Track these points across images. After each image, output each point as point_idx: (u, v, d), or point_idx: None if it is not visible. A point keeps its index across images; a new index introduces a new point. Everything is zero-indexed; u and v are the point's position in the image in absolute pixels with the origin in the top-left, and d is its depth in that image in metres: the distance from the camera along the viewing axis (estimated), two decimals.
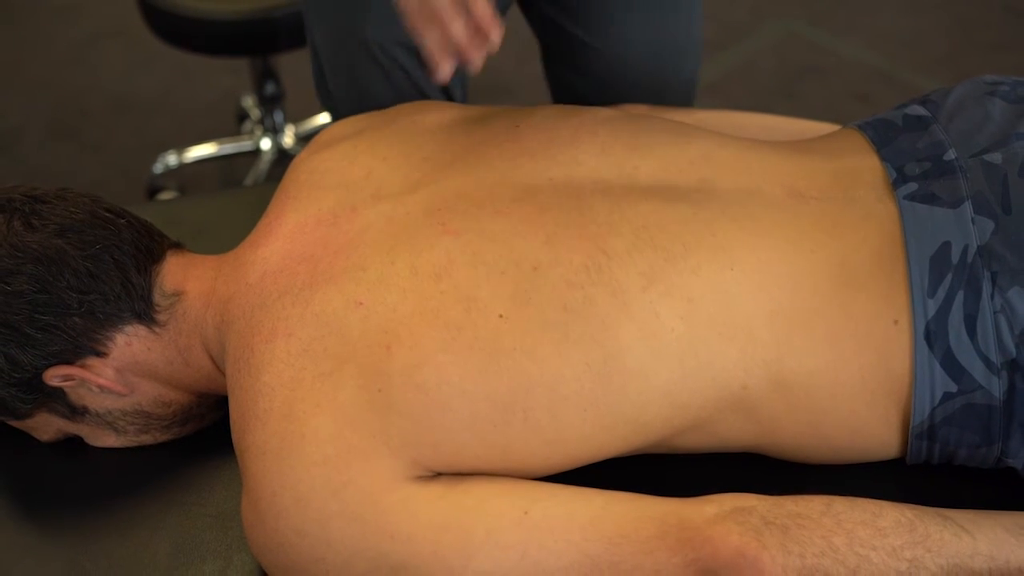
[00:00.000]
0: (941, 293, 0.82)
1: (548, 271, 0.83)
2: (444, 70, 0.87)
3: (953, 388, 0.82)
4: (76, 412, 0.95)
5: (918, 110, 0.94)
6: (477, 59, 0.87)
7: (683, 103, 1.29)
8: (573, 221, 0.85)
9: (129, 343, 0.93)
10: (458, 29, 0.85)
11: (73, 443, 1.00)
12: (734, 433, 0.87)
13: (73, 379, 0.92)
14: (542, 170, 0.91)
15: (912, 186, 0.87)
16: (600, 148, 0.92)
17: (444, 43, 0.87)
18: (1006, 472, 0.89)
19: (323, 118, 2.38)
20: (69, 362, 0.92)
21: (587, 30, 1.23)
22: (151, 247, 0.95)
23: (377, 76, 1.17)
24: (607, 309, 0.82)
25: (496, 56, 1.02)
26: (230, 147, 2.41)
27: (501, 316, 0.81)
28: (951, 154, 0.88)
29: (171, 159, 2.36)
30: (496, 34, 0.86)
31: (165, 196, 2.33)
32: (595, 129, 0.94)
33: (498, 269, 0.83)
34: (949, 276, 0.82)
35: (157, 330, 0.94)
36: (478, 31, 0.86)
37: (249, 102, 2.49)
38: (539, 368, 0.81)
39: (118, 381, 0.93)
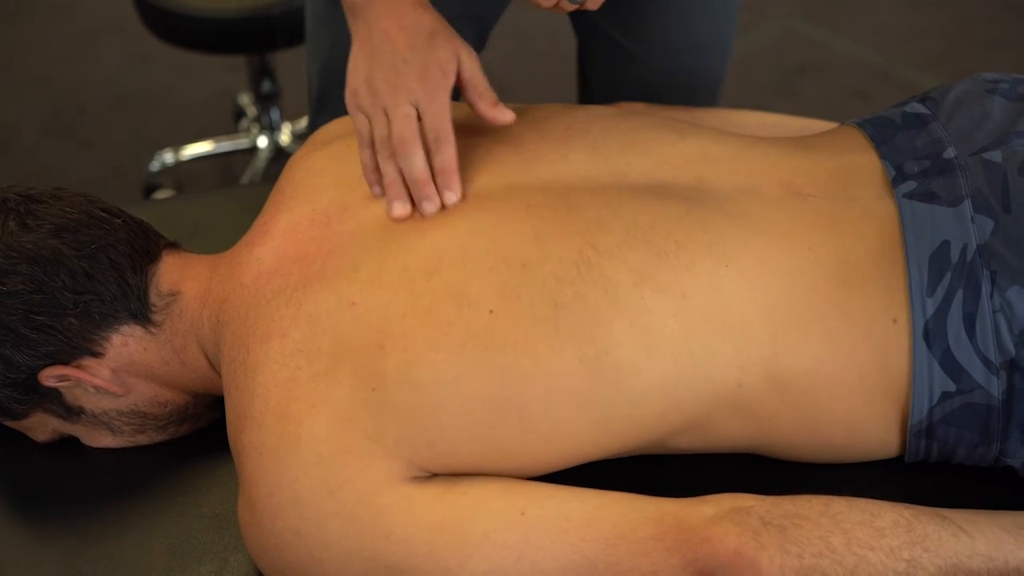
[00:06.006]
0: (940, 292, 0.82)
1: (537, 267, 0.82)
2: (397, 211, 0.87)
3: (952, 387, 0.82)
4: (72, 412, 0.95)
5: (917, 108, 0.94)
6: (430, 207, 0.87)
7: (710, 100, 1.36)
8: (561, 218, 0.85)
9: (125, 343, 0.93)
10: (418, 164, 0.86)
11: (69, 443, 1.00)
12: (731, 432, 0.87)
13: (69, 379, 0.92)
14: (531, 168, 0.90)
15: (911, 184, 0.86)
16: (591, 145, 0.92)
17: (398, 178, 0.87)
18: (1004, 472, 0.88)
19: None
20: (65, 362, 0.91)
21: (624, 33, 1.28)
22: (147, 247, 0.95)
23: None
24: (598, 305, 0.81)
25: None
26: (227, 145, 2.41)
27: (491, 312, 0.81)
28: (950, 152, 0.88)
29: (167, 157, 2.36)
30: (456, 192, 0.87)
31: (161, 194, 2.33)
32: (587, 127, 0.94)
33: (486, 265, 0.83)
34: (948, 275, 0.82)
35: (153, 330, 0.93)
36: (440, 174, 0.87)
37: (246, 100, 2.49)
38: (532, 364, 0.80)
39: (114, 381, 0.93)
